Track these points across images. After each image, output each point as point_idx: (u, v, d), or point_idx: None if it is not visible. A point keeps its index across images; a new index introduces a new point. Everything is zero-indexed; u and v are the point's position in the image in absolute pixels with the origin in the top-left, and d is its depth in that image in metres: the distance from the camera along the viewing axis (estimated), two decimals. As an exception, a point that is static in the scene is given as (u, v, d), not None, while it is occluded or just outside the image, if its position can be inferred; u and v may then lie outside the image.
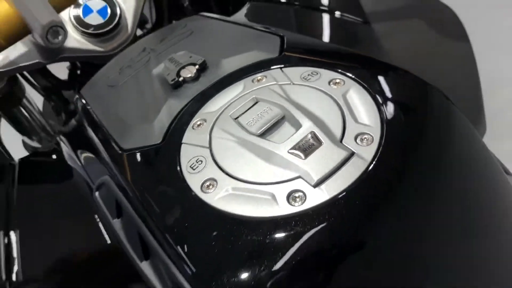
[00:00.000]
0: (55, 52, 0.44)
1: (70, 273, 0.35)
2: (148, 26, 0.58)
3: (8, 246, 0.37)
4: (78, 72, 0.56)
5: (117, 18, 0.47)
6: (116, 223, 0.32)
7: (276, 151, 0.27)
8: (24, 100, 0.54)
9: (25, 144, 0.65)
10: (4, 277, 0.35)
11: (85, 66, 0.53)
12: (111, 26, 0.46)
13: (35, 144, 0.62)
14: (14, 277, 0.36)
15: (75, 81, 0.55)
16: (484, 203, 0.31)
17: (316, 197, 0.25)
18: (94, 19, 0.46)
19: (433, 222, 0.26)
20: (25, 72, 0.53)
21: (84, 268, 0.35)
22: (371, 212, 0.25)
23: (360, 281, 0.24)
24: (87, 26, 0.46)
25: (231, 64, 0.35)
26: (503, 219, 0.33)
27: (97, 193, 0.34)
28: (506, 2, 1.69)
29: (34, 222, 0.38)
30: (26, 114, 0.56)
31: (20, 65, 0.45)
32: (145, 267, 0.30)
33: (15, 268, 0.36)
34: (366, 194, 0.25)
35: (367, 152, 0.26)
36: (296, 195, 0.25)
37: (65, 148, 0.39)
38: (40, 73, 0.53)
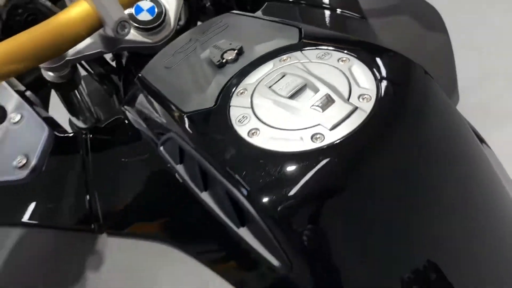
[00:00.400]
0: (115, 43, 0.55)
1: (146, 215, 0.46)
2: (181, 23, 0.68)
3: (90, 203, 0.48)
4: (123, 61, 0.66)
5: (162, 16, 0.58)
6: (180, 168, 0.43)
7: (301, 107, 0.38)
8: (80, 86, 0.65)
9: (71, 123, 0.76)
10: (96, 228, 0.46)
11: (132, 56, 0.64)
12: (157, 23, 0.57)
13: (80, 124, 0.73)
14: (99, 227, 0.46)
15: (121, 69, 0.66)
16: (454, 151, 0.42)
17: (332, 137, 0.36)
18: (144, 16, 0.57)
19: (416, 152, 0.37)
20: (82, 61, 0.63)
21: (156, 208, 0.45)
22: (370, 145, 0.36)
23: (361, 191, 0.35)
24: (139, 22, 0.57)
25: (261, 49, 0.46)
26: (474, 169, 0.44)
27: (161, 148, 0.45)
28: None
29: (110, 180, 0.49)
30: (79, 97, 0.67)
31: (86, 54, 0.56)
32: (206, 196, 0.41)
33: (100, 218, 0.47)
34: (366, 134, 0.36)
35: (366, 107, 0.37)
36: (317, 136, 0.36)
37: (131, 116, 0.50)
38: (95, 62, 0.64)
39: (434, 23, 0.65)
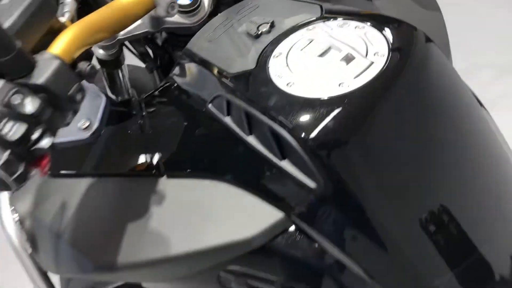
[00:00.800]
0: (160, 24, 0.65)
1: (198, 158, 0.55)
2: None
3: (150, 153, 0.57)
4: (158, 42, 0.76)
5: (198, 1, 0.67)
6: (228, 119, 0.52)
7: (328, 63, 0.48)
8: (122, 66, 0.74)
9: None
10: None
11: (169, 37, 0.74)
12: (195, 6, 0.67)
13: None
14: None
15: (158, 48, 0.76)
16: (456, 99, 0.52)
17: (355, 84, 0.46)
18: (183, 0, 0.67)
19: (424, 94, 0.47)
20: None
21: (206, 152, 0.55)
22: (386, 89, 0.45)
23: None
24: (179, 6, 0.66)
25: (290, 22, 0.56)
26: (475, 120, 0.54)
27: (210, 105, 0.54)
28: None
29: (164, 133, 0.58)
30: (120, 76, 0.76)
31: (135, 33, 0.66)
32: (251, 139, 0.50)
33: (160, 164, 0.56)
34: (382, 81, 0.46)
35: (381, 61, 0.47)
36: (343, 83, 0.46)
37: (180, 81, 0.59)
38: (137, 42, 0.73)
39: (429, 3, 0.76)
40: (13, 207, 0.64)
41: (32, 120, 0.39)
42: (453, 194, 0.50)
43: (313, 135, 0.44)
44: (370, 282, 0.46)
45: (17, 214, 0.63)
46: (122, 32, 0.65)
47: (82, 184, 0.59)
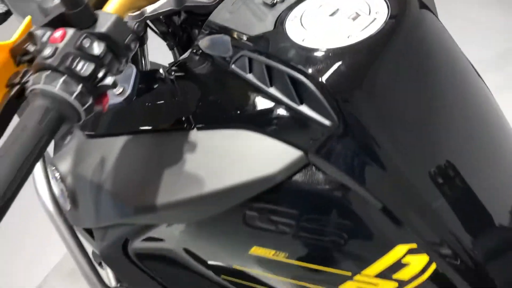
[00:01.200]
0: (182, 2, 0.73)
1: (225, 111, 0.62)
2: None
3: (180, 108, 0.65)
4: (176, 21, 0.84)
5: (217, -19, 0.75)
6: (250, 76, 0.60)
7: (337, 21, 0.56)
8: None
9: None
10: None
11: (187, 16, 0.82)
12: (212, -14, 0.75)
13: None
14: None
15: (177, 27, 0.84)
16: (453, 56, 0.60)
17: (361, 35, 0.54)
18: (203, -19, 0.75)
19: (421, 44, 0.55)
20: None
21: (231, 105, 0.62)
22: (388, 40, 0.53)
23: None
24: (199, -14, 0.74)
25: None
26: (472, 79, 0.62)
27: (233, 65, 0.62)
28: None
29: (192, 91, 0.66)
30: (143, 54, 0.84)
31: (160, 11, 0.73)
32: (272, 90, 0.58)
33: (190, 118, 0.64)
34: (382, 34, 0.54)
35: (382, 17, 0.55)
36: (351, 35, 0.54)
37: (205, 47, 0.67)
38: (158, 21, 0.81)
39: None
40: (54, 167, 0.71)
41: (98, 61, 0.47)
42: (456, 136, 0.58)
43: (328, 78, 0.52)
44: (376, 203, 0.54)
45: (58, 173, 0.70)
46: (149, 10, 0.73)
47: (118, 142, 0.66)
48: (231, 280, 0.75)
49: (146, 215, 0.63)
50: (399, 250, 0.57)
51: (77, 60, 0.46)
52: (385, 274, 0.59)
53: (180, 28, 0.83)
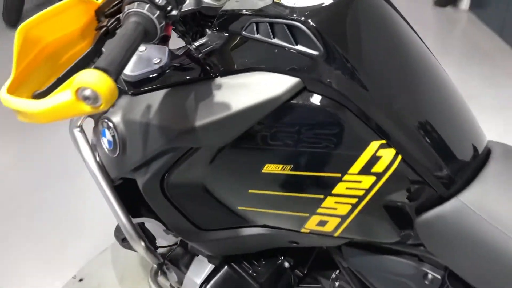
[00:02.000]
0: (200, 3, 0.99)
1: (240, 59, 0.87)
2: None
3: (209, 65, 0.89)
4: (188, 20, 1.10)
5: (225, -11, 1.03)
6: (257, 36, 0.85)
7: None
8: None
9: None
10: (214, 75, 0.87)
11: (199, 16, 1.08)
12: (222, -7, 1.02)
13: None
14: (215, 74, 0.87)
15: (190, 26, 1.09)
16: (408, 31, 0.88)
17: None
18: (215, -11, 1.02)
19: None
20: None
21: (243, 55, 0.86)
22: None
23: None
24: (212, -8, 1.01)
25: None
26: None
27: (244, 32, 0.87)
28: None
29: (215, 55, 0.90)
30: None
31: (185, 10, 0.99)
32: (275, 40, 0.82)
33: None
34: None
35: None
36: (325, 2, 0.80)
37: (220, 26, 0.92)
38: (177, 22, 1.07)
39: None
40: (106, 120, 0.92)
41: None
42: (417, 59, 0.85)
43: (314, 21, 0.77)
44: (352, 107, 0.77)
45: (112, 123, 0.91)
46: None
47: (159, 93, 0.88)
48: (246, 209, 0.94)
49: (186, 137, 0.84)
50: (373, 146, 0.79)
51: None
52: (365, 169, 0.81)
53: (195, 25, 1.09)
